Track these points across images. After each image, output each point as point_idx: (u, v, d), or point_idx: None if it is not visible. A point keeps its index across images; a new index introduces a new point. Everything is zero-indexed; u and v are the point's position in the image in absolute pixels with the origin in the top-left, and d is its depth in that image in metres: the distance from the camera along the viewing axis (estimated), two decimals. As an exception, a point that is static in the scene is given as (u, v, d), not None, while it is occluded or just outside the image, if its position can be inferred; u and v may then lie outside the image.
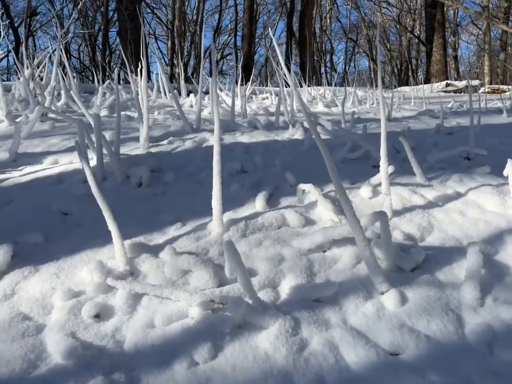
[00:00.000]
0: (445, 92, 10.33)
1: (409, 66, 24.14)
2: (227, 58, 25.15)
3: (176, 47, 7.42)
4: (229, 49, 24.51)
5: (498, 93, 9.05)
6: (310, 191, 1.52)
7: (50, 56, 3.65)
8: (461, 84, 11.22)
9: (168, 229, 1.40)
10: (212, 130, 2.57)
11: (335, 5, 23.34)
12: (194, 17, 21.72)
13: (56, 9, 21.42)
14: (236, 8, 22.30)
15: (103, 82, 5.24)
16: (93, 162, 1.92)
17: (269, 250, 1.27)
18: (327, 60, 25.07)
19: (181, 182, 1.75)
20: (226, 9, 23.09)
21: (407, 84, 24.41)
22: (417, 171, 1.72)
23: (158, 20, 22.53)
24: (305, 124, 2.62)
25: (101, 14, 20.41)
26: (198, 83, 3.23)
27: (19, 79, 3.57)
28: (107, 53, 18.71)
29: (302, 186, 1.52)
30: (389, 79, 26.27)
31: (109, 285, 1.11)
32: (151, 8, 21.16)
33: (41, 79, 4.01)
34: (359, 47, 25.17)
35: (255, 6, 15.82)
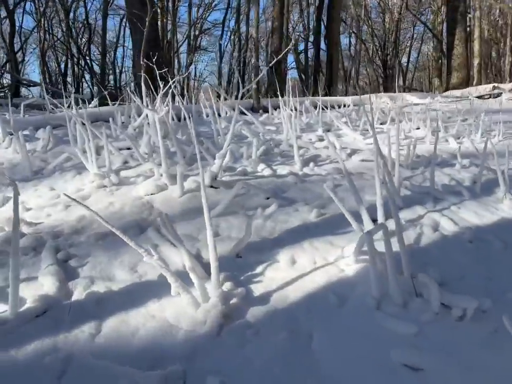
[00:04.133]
0: (490, 96, 10.19)
1: (396, 46, 23.40)
2: (205, 33, 24.71)
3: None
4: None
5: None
6: None
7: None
8: (507, 86, 11.02)
9: None
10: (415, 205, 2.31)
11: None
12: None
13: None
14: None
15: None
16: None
17: None
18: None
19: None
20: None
21: (388, 72, 23.37)
22: None
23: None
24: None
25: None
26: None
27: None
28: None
29: None
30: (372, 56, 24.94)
31: None
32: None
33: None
34: (346, 24, 23.93)
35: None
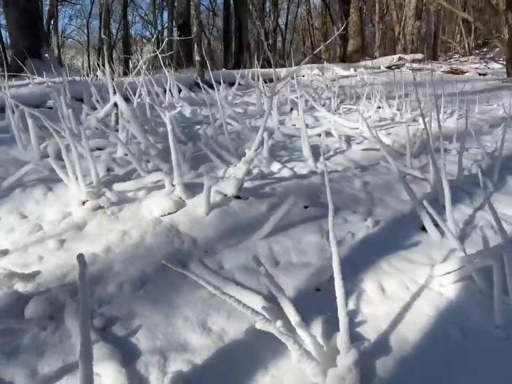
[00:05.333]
0: (395, 66, 10.89)
1: (277, 8, 23.54)
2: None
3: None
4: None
5: (457, 74, 9.67)
6: None
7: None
8: (409, 57, 11.82)
9: None
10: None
11: None
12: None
13: None
14: None
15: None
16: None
17: None
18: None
19: None
20: None
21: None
22: None
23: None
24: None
25: None
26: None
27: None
28: None
29: None
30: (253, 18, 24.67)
31: None
32: None
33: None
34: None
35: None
